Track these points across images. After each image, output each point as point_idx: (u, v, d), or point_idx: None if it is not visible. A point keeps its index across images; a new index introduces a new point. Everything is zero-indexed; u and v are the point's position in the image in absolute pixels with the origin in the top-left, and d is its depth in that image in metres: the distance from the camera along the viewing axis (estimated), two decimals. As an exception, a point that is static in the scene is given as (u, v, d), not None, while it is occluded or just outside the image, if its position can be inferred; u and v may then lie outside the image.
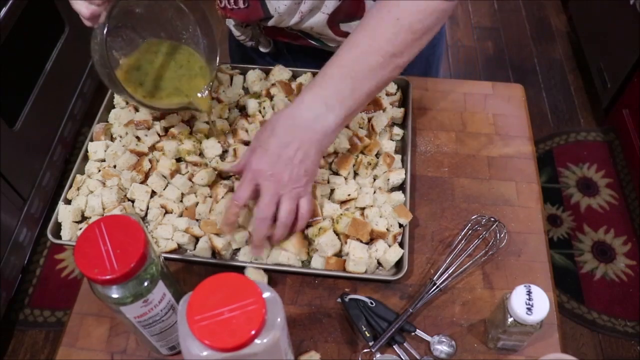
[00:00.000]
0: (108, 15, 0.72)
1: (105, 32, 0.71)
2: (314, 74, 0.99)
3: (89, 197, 0.85)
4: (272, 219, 0.74)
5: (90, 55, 0.76)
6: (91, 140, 0.92)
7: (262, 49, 1.06)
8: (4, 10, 1.59)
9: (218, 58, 0.84)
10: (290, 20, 0.92)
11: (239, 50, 1.12)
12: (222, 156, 0.89)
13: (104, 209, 0.84)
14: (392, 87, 0.98)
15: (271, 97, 0.96)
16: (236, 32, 1.04)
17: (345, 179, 0.86)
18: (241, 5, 0.91)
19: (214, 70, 0.84)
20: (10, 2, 1.60)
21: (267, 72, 1.00)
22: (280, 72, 0.99)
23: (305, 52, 1.03)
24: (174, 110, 0.85)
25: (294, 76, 1.00)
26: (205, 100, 0.83)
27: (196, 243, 0.82)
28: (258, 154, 0.73)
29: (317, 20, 0.91)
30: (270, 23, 0.93)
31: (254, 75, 0.99)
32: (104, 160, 0.90)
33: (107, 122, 0.96)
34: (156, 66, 0.84)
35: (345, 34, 0.92)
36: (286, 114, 0.74)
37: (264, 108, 0.94)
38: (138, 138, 0.91)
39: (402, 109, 0.95)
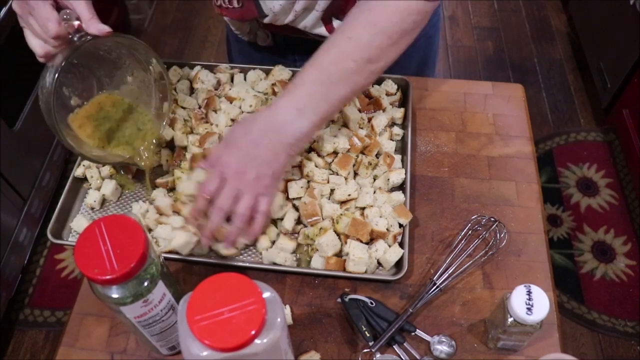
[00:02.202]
0: (61, 62, 0.70)
1: (55, 77, 0.70)
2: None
3: (103, 182, 0.88)
4: (227, 212, 0.74)
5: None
6: None
7: (260, 43, 1.06)
8: (4, 10, 1.59)
9: (166, 120, 0.86)
10: (285, 18, 0.92)
11: (237, 45, 1.13)
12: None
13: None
14: (392, 87, 0.98)
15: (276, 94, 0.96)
16: (233, 27, 1.05)
17: (345, 179, 0.86)
18: (235, 4, 0.92)
19: (161, 129, 0.86)
20: (11, 2, 1.61)
21: (267, 72, 1.00)
22: (281, 72, 0.99)
23: (303, 44, 1.02)
24: (116, 163, 0.86)
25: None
26: (147, 161, 0.85)
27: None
28: (229, 150, 0.74)
29: (310, 18, 0.92)
30: (266, 21, 0.93)
31: (254, 75, 0.99)
32: None
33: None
34: (111, 121, 0.85)
35: None
36: (261, 115, 0.75)
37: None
38: None
39: (402, 109, 0.95)
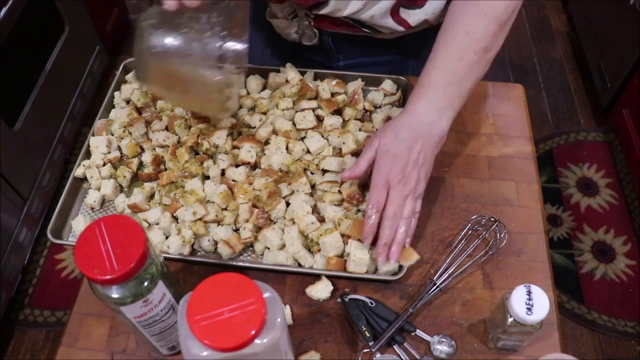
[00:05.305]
0: None
1: None
2: (316, 75, 0.99)
3: (103, 182, 0.88)
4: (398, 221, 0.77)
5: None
6: (92, 135, 0.94)
7: (305, 42, 1.03)
8: (4, 10, 1.58)
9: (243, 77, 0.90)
10: (346, 9, 0.89)
11: (278, 47, 1.10)
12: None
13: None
14: (392, 87, 0.98)
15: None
16: (281, 25, 1.01)
17: None
18: None
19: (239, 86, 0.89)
20: (10, 2, 1.60)
21: (264, 76, 1.00)
22: (274, 77, 0.99)
23: (352, 41, 1.00)
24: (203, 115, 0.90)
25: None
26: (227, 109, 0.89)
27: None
28: (387, 159, 0.77)
29: (380, 7, 0.89)
30: (324, 11, 0.90)
31: (253, 81, 0.99)
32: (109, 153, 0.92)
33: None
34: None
35: (404, 21, 0.92)
36: (405, 122, 0.79)
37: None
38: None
39: (401, 109, 0.95)
